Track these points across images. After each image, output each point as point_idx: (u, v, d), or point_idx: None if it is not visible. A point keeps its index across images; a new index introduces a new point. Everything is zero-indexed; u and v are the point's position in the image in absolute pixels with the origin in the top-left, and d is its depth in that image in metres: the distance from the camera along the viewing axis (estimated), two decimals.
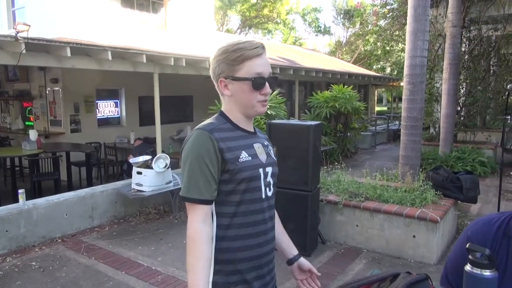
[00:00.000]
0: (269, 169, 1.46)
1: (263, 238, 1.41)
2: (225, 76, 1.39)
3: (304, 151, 4.19)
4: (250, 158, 1.38)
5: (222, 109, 1.47)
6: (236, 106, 1.42)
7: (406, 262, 4.12)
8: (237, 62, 1.36)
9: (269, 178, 1.46)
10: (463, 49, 9.15)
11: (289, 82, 12.42)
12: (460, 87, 9.29)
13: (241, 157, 1.36)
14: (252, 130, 1.49)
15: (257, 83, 1.37)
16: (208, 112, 7.00)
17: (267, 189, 1.45)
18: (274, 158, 1.54)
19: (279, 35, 31.81)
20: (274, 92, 7.50)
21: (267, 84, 1.39)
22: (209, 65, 1.46)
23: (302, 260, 1.62)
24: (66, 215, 4.99)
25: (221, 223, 1.36)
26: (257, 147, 1.45)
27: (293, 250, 1.63)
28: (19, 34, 4.50)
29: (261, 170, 1.41)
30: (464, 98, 9.57)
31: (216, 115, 1.46)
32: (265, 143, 1.52)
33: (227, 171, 1.33)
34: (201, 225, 1.29)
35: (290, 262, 1.62)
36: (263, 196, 1.43)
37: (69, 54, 5.01)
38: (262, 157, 1.45)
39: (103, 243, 4.70)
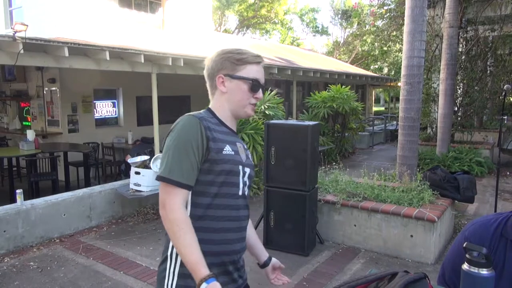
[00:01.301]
0: (247, 170, 1.49)
1: (233, 235, 1.42)
2: (226, 73, 1.44)
3: (302, 151, 4.20)
4: (233, 152, 1.42)
5: (210, 106, 1.51)
6: (227, 104, 1.47)
7: (404, 261, 4.14)
8: (241, 63, 1.44)
9: (246, 178, 1.49)
10: (460, 49, 9.19)
11: (287, 82, 12.44)
12: (457, 87, 9.32)
13: (225, 149, 1.39)
14: (235, 131, 1.53)
15: (254, 85, 1.45)
16: None
17: (245, 187, 1.48)
18: (251, 161, 1.58)
19: (276, 35, 31.83)
20: (272, 92, 7.51)
21: (260, 90, 1.48)
22: (206, 63, 1.50)
23: (273, 260, 1.70)
24: (64, 215, 4.98)
25: (195, 213, 1.36)
26: (239, 146, 1.50)
27: (264, 254, 1.69)
28: (17, 34, 4.49)
29: (241, 167, 1.44)
30: (461, 98, 9.61)
31: (204, 110, 1.49)
32: (245, 146, 1.57)
33: (208, 160, 1.35)
34: (183, 207, 1.30)
35: (265, 265, 1.68)
36: (240, 193, 1.45)
37: (67, 54, 5.01)
38: (243, 156, 1.48)
39: (101, 243, 4.70)
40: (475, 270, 1.05)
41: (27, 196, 5.07)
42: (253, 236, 1.67)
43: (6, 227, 4.42)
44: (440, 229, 4.22)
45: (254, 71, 1.46)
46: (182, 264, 1.32)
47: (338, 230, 4.63)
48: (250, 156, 1.58)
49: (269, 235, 4.48)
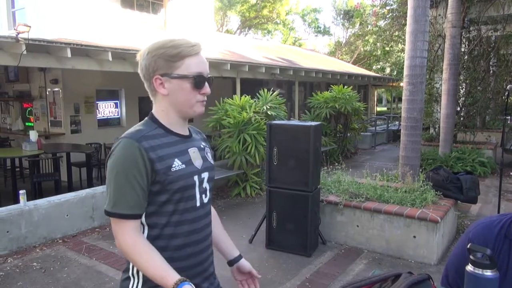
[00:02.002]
0: (205, 175, 1.39)
1: (195, 249, 1.34)
2: (162, 73, 1.28)
3: (305, 151, 4.20)
4: (183, 166, 1.30)
5: (153, 111, 1.36)
6: (172, 107, 1.32)
7: (407, 262, 4.13)
8: (177, 59, 1.27)
9: (205, 184, 1.39)
10: (462, 49, 9.16)
11: (289, 83, 12.44)
12: (460, 87, 9.30)
13: (173, 166, 1.27)
14: (187, 133, 1.40)
15: (198, 81, 1.29)
16: (208, 112, 7.01)
17: (203, 196, 1.38)
18: (211, 161, 1.47)
19: (278, 35, 31.84)
20: (274, 93, 7.51)
21: (207, 83, 1.33)
22: (139, 61, 1.33)
23: (243, 261, 1.56)
24: (67, 215, 4.99)
25: (151, 233, 1.28)
26: (192, 152, 1.37)
27: (233, 252, 1.56)
28: (20, 35, 4.51)
29: (196, 177, 1.34)
30: (463, 98, 9.58)
31: (146, 119, 1.35)
32: (202, 146, 1.45)
33: (158, 182, 1.24)
34: (134, 233, 1.22)
35: (230, 263, 1.56)
36: (198, 204, 1.35)
37: (69, 55, 5.02)
38: (198, 162, 1.37)
39: (104, 244, 4.71)
40: (479, 271, 1.05)
41: (30, 197, 5.08)
42: (218, 232, 1.56)
43: (9, 228, 4.44)
44: (443, 229, 4.20)
45: (194, 65, 1.29)
46: (145, 281, 1.27)
47: (341, 230, 4.62)
48: (209, 154, 1.47)
49: (271, 235, 4.48)
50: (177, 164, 1.28)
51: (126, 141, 1.23)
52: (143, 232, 1.28)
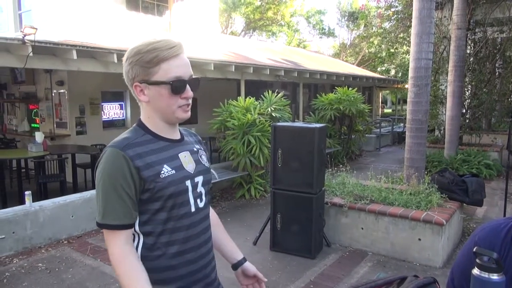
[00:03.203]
0: (199, 179, 1.35)
1: (193, 255, 1.31)
2: (140, 80, 1.24)
3: (309, 153, 4.20)
4: (173, 171, 1.26)
5: (140, 117, 1.33)
6: (155, 113, 1.29)
7: (412, 265, 4.11)
8: (152, 64, 1.22)
9: (199, 189, 1.35)
10: (468, 51, 9.12)
11: (293, 85, 12.44)
12: (465, 89, 9.25)
13: (162, 172, 1.23)
14: (178, 137, 1.36)
15: (176, 86, 1.24)
16: (213, 114, 7.03)
17: (198, 200, 1.34)
18: (206, 164, 1.42)
19: (283, 37, 31.82)
20: (279, 95, 7.51)
21: (188, 87, 1.27)
22: (124, 66, 1.30)
23: (247, 264, 1.52)
24: (72, 216, 5.01)
25: (146, 242, 1.25)
26: (183, 156, 1.33)
27: (236, 255, 1.53)
28: (26, 37, 4.54)
29: (188, 182, 1.30)
30: (469, 100, 9.53)
31: (134, 125, 1.33)
32: (195, 149, 1.40)
33: (147, 190, 1.21)
34: (123, 245, 1.19)
35: (234, 267, 1.52)
36: (193, 210, 1.31)
37: (75, 57, 5.05)
38: (190, 166, 1.33)
39: None
40: (485, 275, 1.04)
41: (35, 198, 5.11)
42: (220, 235, 1.53)
43: (15, 228, 4.46)
44: (449, 232, 4.18)
45: (173, 68, 1.23)
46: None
47: (345, 233, 4.61)
48: (204, 156, 1.43)
49: (276, 237, 4.47)
50: (166, 170, 1.25)
51: (111, 150, 1.21)
52: (138, 241, 1.26)
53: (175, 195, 1.25)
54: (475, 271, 1.06)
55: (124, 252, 1.19)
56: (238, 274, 1.53)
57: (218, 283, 1.46)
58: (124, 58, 1.27)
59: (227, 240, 1.55)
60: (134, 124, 1.33)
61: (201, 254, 1.34)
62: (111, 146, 1.22)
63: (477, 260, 1.06)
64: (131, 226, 1.22)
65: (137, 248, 1.25)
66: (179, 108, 1.27)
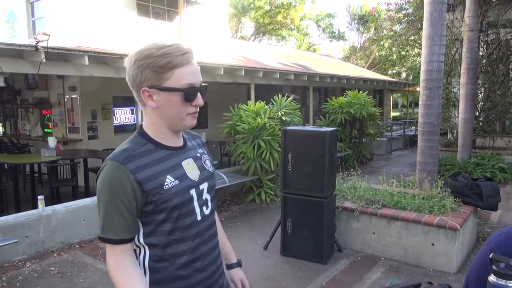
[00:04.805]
0: (204, 186, 1.32)
1: (202, 263, 1.30)
2: (150, 85, 1.19)
3: (320, 157, 4.17)
4: (177, 181, 1.23)
5: (142, 125, 1.29)
6: (162, 120, 1.24)
7: (425, 270, 4.04)
8: (165, 70, 1.17)
9: (205, 196, 1.33)
10: (481, 53, 9.01)
11: (303, 88, 12.42)
12: (478, 91, 9.13)
13: (166, 183, 1.20)
14: (181, 144, 1.32)
15: (189, 94, 1.20)
16: (223, 118, 7.04)
17: (204, 208, 1.32)
18: (210, 169, 1.39)
19: (293, 41, 31.84)
20: (289, 99, 7.50)
21: (199, 95, 1.24)
22: (127, 68, 1.24)
23: (236, 270, 1.55)
24: (84, 221, 5.05)
25: (153, 253, 1.23)
26: (186, 164, 1.30)
27: (230, 257, 1.56)
28: (39, 44, 4.61)
29: (193, 191, 1.27)
30: (482, 103, 9.40)
31: (134, 134, 1.28)
32: (198, 154, 1.37)
33: (150, 202, 1.18)
34: (118, 255, 1.18)
35: (227, 267, 1.55)
36: (199, 218, 1.29)
37: (87, 63, 5.12)
38: (194, 174, 1.30)
39: None
40: (502, 282, 1.01)
41: (48, 202, 5.16)
42: (219, 236, 1.50)
43: (28, 233, 4.51)
44: (463, 237, 4.11)
45: (185, 75, 1.19)
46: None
47: (357, 237, 4.56)
48: (208, 161, 1.40)
49: (286, 242, 4.45)
50: (170, 181, 1.21)
51: (111, 164, 1.17)
52: (144, 254, 1.24)
53: (180, 205, 1.23)
54: (492, 278, 1.04)
55: (117, 261, 1.18)
56: (229, 275, 1.56)
57: (228, 287, 1.47)
58: (130, 61, 1.21)
59: (225, 242, 1.56)
60: (135, 132, 1.29)
61: (209, 262, 1.33)
62: (111, 160, 1.18)
63: (494, 267, 1.04)
64: (130, 240, 1.21)
65: (143, 261, 1.24)
66: (188, 115, 1.24)
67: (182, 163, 1.29)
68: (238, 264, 1.56)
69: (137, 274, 1.17)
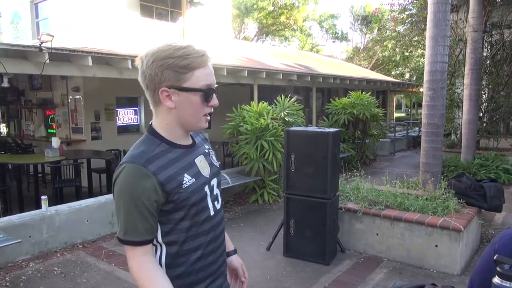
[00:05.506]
0: (214, 182, 1.37)
1: (214, 256, 1.35)
2: (170, 85, 1.20)
3: (323, 158, 4.16)
4: (194, 179, 1.27)
5: (153, 125, 1.29)
6: (177, 120, 1.26)
7: (428, 272, 4.02)
8: (186, 71, 1.20)
9: (215, 191, 1.37)
10: (484, 54, 8.97)
11: (306, 89, 12.41)
12: (482, 92, 9.09)
13: (184, 182, 1.23)
14: (191, 142, 1.36)
15: (208, 94, 1.24)
16: (226, 119, 7.04)
17: (215, 203, 1.37)
18: (217, 164, 1.45)
19: (296, 42, 31.83)
20: (292, 99, 7.50)
21: (215, 95, 1.28)
22: (140, 67, 1.26)
23: (234, 257, 1.58)
24: (87, 221, 5.06)
25: (170, 251, 1.27)
26: (199, 161, 1.33)
27: (228, 245, 1.57)
28: (43, 45, 4.63)
29: (206, 187, 1.32)
30: (486, 103, 9.36)
31: (146, 135, 1.29)
32: (206, 151, 1.41)
33: (170, 201, 1.21)
34: (140, 256, 1.20)
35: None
36: (212, 213, 1.34)
37: (90, 63, 5.13)
38: (206, 171, 1.34)
39: (123, 250, 4.72)
40: (507, 284, 1.01)
41: (51, 202, 5.18)
42: None
43: (31, 233, 4.53)
44: (467, 239, 4.09)
45: (203, 77, 1.23)
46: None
47: (360, 238, 4.55)
48: (214, 156, 1.45)
49: (289, 243, 4.44)
50: (187, 180, 1.25)
51: (132, 166, 1.18)
52: (161, 252, 1.27)
53: (197, 202, 1.26)
54: (496, 279, 1.03)
55: (140, 262, 1.19)
56: (227, 263, 1.57)
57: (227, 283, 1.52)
58: (146, 61, 1.22)
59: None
60: (146, 133, 1.30)
61: (219, 255, 1.38)
62: (130, 162, 1.18)
63: (498, 269, 1.03)
64: (152, 241, 1.23)
65: (160, 258, 1.26)
66: (203, 116, 1.28)
67: (195, 160, 1.32)
68: (235, 251, 1.61)
69: (161, 275, 1.20)
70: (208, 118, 1.30)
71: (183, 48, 1.20)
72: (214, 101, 1.27)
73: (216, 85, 1.29)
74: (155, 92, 1.23)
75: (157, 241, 1.26)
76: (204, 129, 1.33)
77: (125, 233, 1.19)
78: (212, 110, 1.30)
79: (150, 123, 1.31)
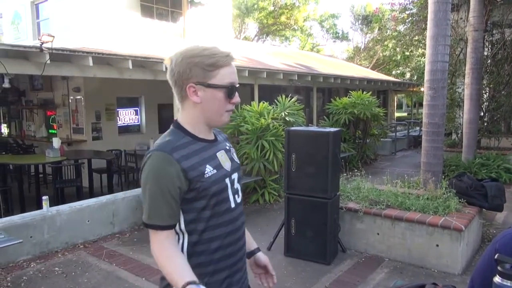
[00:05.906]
0: (234, 176, 1.43)
1: (233, 248, 1.39)
2: (197, 81, 1.30)
3: (323, 158, 4.16)
4: (215, 170, 1.34)
5: (179, 120, 1.39)
6: (202, 115, 1.35)
7: (429, 271, 4.02)
8: (213, 68, 1.30)
9: (236, 185, 1.43)
10: (485, 53, 8.96)
11: (307, 89, 12.40)
12: (483, 92, 9.08)
13: (206, 172, 1.31)
14: (213, 137, 1.43)
15: (231, 91, 1.34)
16: None
17: (236, 196, 1.42)
18: (238, 161, 1.51)
19: (296, 41, 31.81)
20: (293, 99, 7.50)
21: (237, 93, 1.37)
22: (169, 66, 1.34)
23: (260, 254, 1.61)
24: (88, 221, 5.07)
25: (191, 240, 1.33)
26: (220, 155, 1.41)
27: (251, 244, 1.61)
28: (44, 45, 4.64)
29: (227, 180, 1.38)
30: (487, 103, 9.35)
31: (172, 128, 1.38)
32: (227, 147, 1.48)
33: (192, 189, 1.28)
34: (163, 240, 1.26)
35: (248, 255, 1.59)
36: (233, 205, 1.39)
37: (91, 64, 5.13)
38: (227, 165, 1.41)
39: (124, 250, 4.76)
40: (507, 283, 1.01)
41: (52, 203, 5.19)
42: None
43: (32, 233, 4.53)
44: (468, 238, 4.09)
45: (228, 75, 1.33)
46: None
47: (361, 238, 4.54)
48: (234, 154, 1.52)
49: (290, 243, 4.44)
50: (209, 170, 1.32)
51: (158, 154, 1.26)
52: (183, 240, 1.32)
53: (218, 193, 1.33)
54: (497, 279, 1.03)
55: (162, 246, 1.25)
56: (251, 263, 1.60)
57: (247, 277, 1.55)
58: (176, 59, 1.31)
59: (246, 230, 1.64)
60: (171, 127, 1.38)
61: (237, 249, 1.41)
62: (157, 150, 1.27)
63: (499, 268, 1.03)
64: (174, 226, 1.29)
65: (182, 246, 1.32)
66: (226, 112, 1.36)
67: (216, 154, 1.39)
68: (259, 249, 1.64)
69: (181, 257, 1.26)
70: (231, 114, 1.39)
71: (209, 48, 1.32)
72: (236, 98, 1.36)
73: (238, 84, 1.37)
74: (182, 88, 1.32)
75: (180, 229, 1.32)
76: (227, 124, 1.42)
77: (150, 217, 1.26)
78: (234, 107, 1.38)
79: (175, 119, 1.40)
